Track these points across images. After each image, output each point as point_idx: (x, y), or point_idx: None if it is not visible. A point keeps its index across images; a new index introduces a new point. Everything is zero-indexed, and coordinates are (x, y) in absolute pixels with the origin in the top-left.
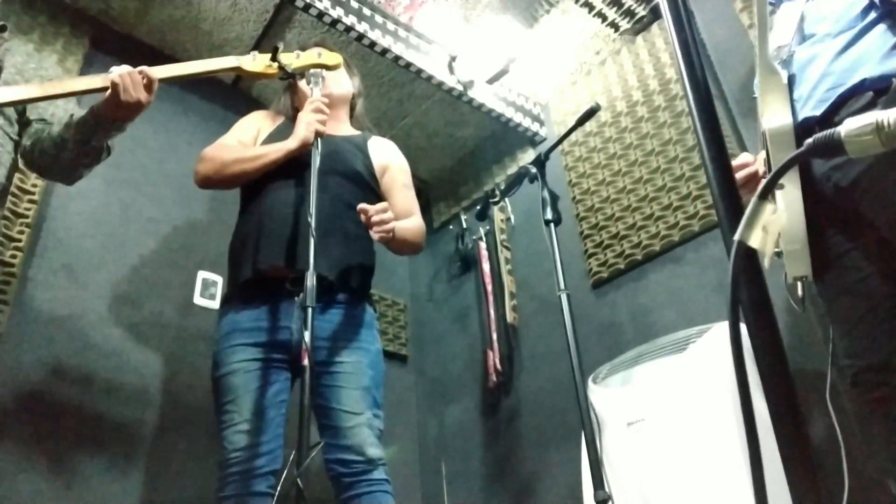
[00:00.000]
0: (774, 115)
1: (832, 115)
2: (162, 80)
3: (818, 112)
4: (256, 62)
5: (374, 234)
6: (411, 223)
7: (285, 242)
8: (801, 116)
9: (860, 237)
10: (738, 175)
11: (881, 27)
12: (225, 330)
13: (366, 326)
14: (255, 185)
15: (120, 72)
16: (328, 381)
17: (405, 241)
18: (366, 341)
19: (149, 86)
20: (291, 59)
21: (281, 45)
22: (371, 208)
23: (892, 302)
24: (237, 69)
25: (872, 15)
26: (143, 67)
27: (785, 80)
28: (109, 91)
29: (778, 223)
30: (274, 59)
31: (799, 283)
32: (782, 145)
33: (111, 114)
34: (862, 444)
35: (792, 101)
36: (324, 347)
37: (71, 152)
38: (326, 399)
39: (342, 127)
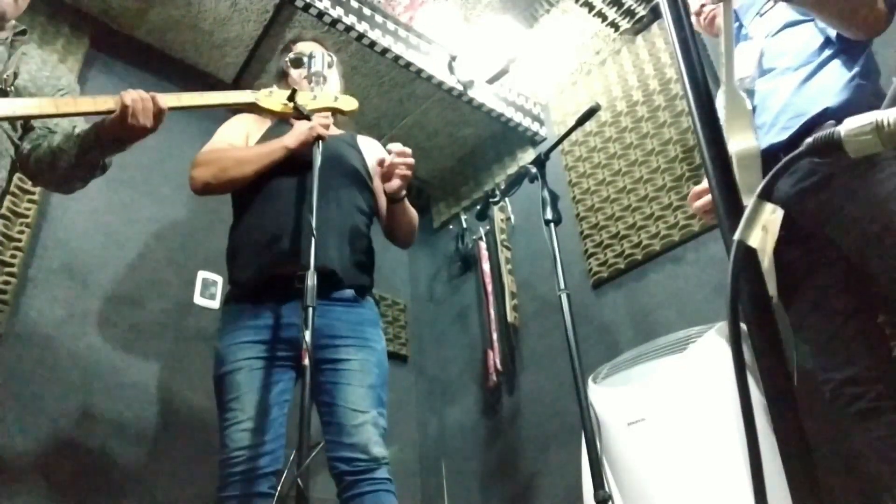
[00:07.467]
0: (741, 139)
1: (797, 141)
2: (172, 109)
3: (782, 138)
4: (273, 99)
5: (399, 173)
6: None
7: (293, 241)
8: (764, 143)
9: (824, 257)
10: (700, 202)
11: (838, 62)
12: (229, 327)
13: (372, 325)
14: (253, 183)
15: (133, 96)
16: (334, 378)
17: (409, 218)
18: (372, 339)
19: (157, 114)
20: (307, 101)
21: (298, 88)
22: (392, 153)
23: (860, 316)
24: (253, 105)
25: (828, 51)
26: (156, 95)
27: (749, 107)
28: (118, 112)
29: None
30: (291, 99)
31: None
32: (749, 168)
33: (115, 134)
34: (836, 462)
35: (754, 128)
36: (331, 345)
37: (67, 164)
38: (332, 396)
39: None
